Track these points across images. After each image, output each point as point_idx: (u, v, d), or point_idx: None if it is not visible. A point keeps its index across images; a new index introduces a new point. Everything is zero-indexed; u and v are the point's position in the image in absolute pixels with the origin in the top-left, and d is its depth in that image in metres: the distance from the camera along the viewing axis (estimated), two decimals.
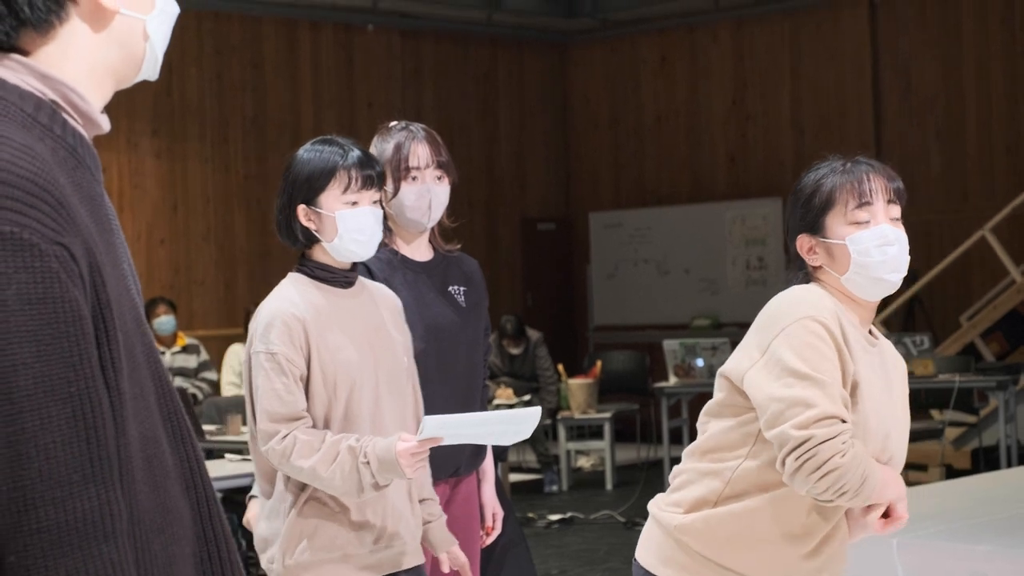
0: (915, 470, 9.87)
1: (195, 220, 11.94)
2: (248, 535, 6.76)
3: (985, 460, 9.92)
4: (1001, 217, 11.04)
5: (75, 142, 1.47)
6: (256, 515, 5.16)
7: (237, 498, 6.52)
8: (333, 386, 3.16)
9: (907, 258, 2.74)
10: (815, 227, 2.73)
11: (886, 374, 2.78)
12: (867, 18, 12.76)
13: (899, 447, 2.75)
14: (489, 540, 3.82)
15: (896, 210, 2.74)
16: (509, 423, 3.17)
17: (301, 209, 3.19)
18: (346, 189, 3.17)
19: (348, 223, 3.17)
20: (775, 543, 2.69)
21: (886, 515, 2.71)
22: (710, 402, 2.80)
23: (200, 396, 9.32)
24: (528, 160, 14.38)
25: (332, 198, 3.17)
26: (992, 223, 11.03)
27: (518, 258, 14.12)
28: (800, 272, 2.79)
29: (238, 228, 12.18)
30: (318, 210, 3.18)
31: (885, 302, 11.78)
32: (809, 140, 13.08)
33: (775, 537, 2.69)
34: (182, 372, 9.58)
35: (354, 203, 3.18)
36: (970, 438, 10.32)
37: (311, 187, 3.18)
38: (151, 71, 1.57)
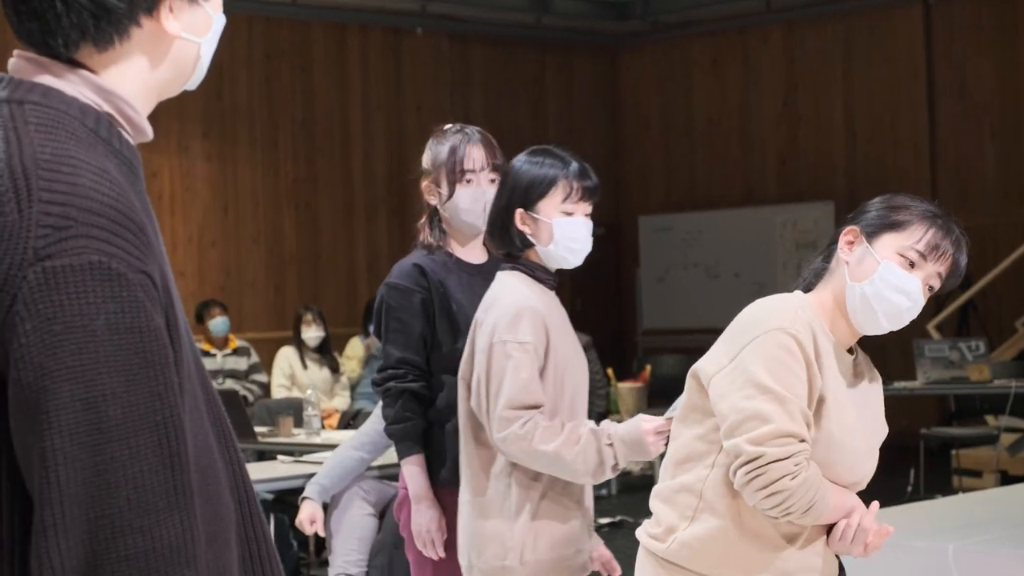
0: (970, 476, 9.77)
1: (245, 223, 12.00)
2: (300, 535, 6.81)
3: None
4: None
5: (130, 154, 1.49)
6: (309, 516, 5.16)
7: (289, 499, 6.53)
8: (562, 379, 3.29)
9: (906, 321, 2.75)
10: (873, 232, 2.73)
11: (861, 389, 2.78)
12: (921, 19, 12.64)
13: (869, 464, 2.77)
14: None
15: (937, 284, 2.75)
16: None
17: (519, 214, 3.32)
18: (566, 199, 3.31)
19: (565, 230, 3.30)
20: (759, 553, 2.68)
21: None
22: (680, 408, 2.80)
23: (251, 398, 9.36)
24: None
25: (551, 206, 3.31)
26: None
27: None
28: (820, 262, 2.80)
29: (288, 231, 12.22)
30: (535, 216, 3.31)
31: (939, 307, 11.65)
32: (862, 143, 12.97)
33: (757, 548, 2.68)
34: (233, 374, 9.62)
35: (570, 213, 3.31)
36: None
37: (532, 194, 3.31)
38: (194, 84, 1.60)
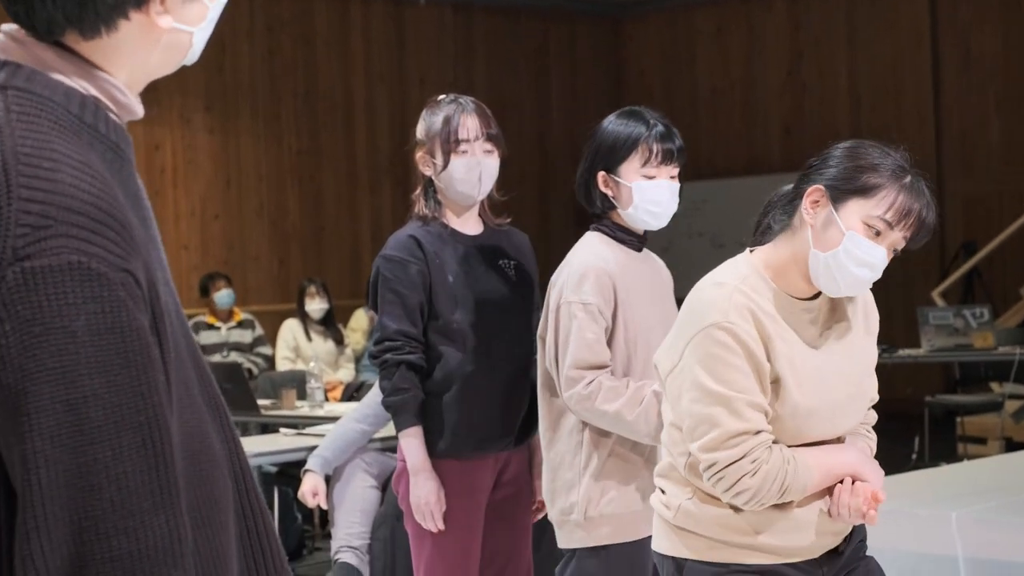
0: (974, 443, 9.77)
1: (248, 196, 11.98)
2: (304, 508, 6.82)
3: None
4: None
5: (117, 137, 1.47)
6: (311, 488, 5.17)
7: (292, 472, 6.54)
8: (634, 341, 3.29)
9: (866, 289, 2.66)
10: (838, 195, 2.59)
11: (834, 332, 2.70)
12: None
13: (854, 407, 2.70)
14: (539, 516, 3.79)
15: (902, 246, 2.62)
16: None
17: (601, 176, 3.35)
18: (646, 162, 3.31)
19: (645, 194, 3.31)
20: (757, 517, 2.65)
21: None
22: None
23: (255, 371, 9.37)
24: (581, 135, 14.25)
25: (632, 169, 3.32)
26: None
27: (570, 233, 14.02)
28: (784, 217, 2.69)
29: (291, 204, 12.21)
30: (617, 179, 3.33)
31: (944, 274, 11.59)
32: (866, 111, 12.92)
33: (753, 513, 2.65)
34: (237, 347, 9.62)
35: (652, 176, 3.30)
36: None
37: (612, 156, 3.33)
38: (189, 62, 1.56)
